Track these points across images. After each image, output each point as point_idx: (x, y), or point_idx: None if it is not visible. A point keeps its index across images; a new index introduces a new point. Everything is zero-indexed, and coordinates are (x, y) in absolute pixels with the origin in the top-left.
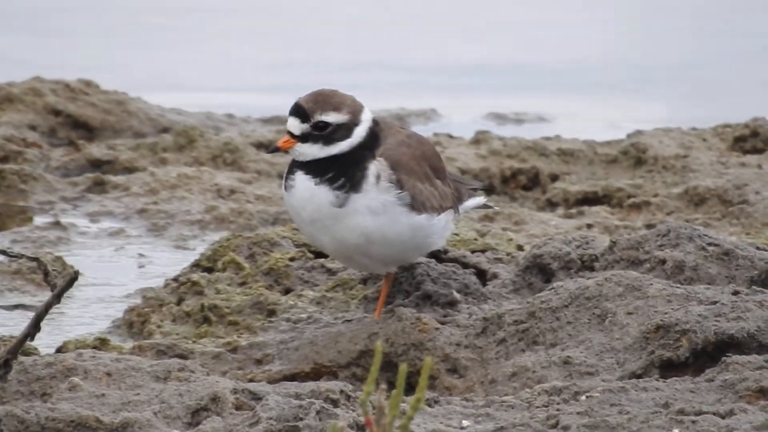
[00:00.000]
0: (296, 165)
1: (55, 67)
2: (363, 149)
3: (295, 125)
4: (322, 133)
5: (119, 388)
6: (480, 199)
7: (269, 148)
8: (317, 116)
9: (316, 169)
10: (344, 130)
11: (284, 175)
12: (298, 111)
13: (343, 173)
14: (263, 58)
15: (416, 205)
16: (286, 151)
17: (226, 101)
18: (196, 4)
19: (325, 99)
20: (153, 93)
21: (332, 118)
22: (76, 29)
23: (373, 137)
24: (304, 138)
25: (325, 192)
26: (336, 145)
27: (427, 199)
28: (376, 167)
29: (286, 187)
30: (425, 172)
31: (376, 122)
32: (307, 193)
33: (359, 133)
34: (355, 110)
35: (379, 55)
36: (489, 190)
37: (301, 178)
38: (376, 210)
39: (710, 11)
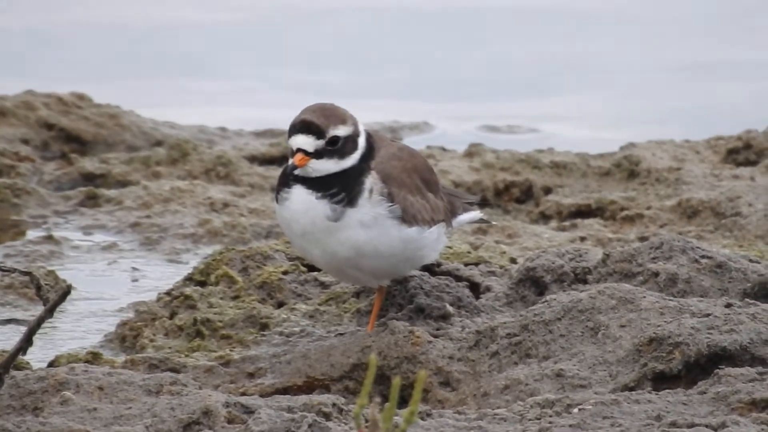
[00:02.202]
0: (294, 179)
1: (47, 80)
2: (362, 161)
3: (308, 142)
4: (335, 148)
5: (111, 402)
6: (475, 214)
7: (288, 168)
8: (331, 131)
9: (318, 183)
10: (351, 142)
11: (276, 188)
12: (311, 128)
13: (344, 187)
14: (255, 72)
15: (407, 218)
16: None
17: (219, 114)
18: (185, 17)
19: (331, 113)
20: (145, 108)
21: (342, 131)
22: (69, 42)
23: (370, 148)
24: (318, 154)
25: (323, 206)
26: (349, 157)
27: (418, 212)
28: (370, 181)
29: (278, 200)
30: (416, 184)
31: (368, 133)
32: (303, 206)
33: (362, 144)
34: (355, 120)
35: (372, 68)
36: (484, 204)
37: (299, 192)
38: (368, 223)
39: (699, 21)
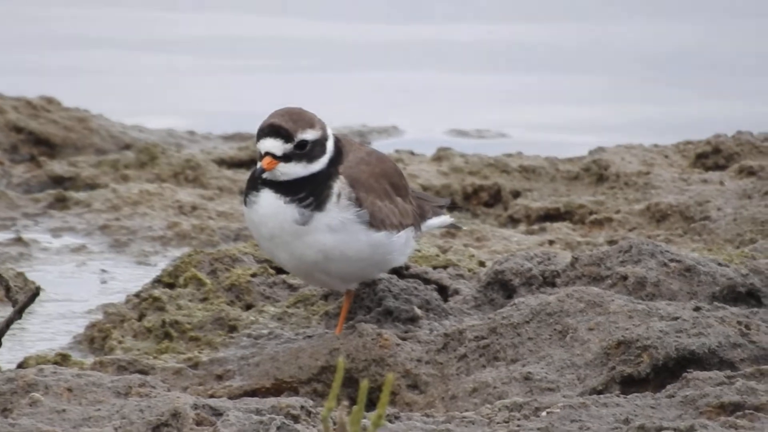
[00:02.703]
0: (263, 182)
1: (16, 84)
2: (330, 166)
3: (276, 146)
4: (303, 152)
5: (80, 404)
6: (445, 218)
7: (256, 171)
8: (299, 135)
9: (286, 187)
10: (320, 146)
11: (244, 191)
12: (279, 131)
13: (312, 192)
14: (223, 76)
15: (375, 223)
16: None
17: (188, 118)
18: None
19: (300, 117)
20: (114, 111)
21: (310, 135)
22: (40, 45)
23: (338, 152)
24: (286, 158)
25: (291, 210)
26: (317, 161)
27: (387, 217)
28: (338, 186)
29: (247, 203)
30: (385, 189)
31: (337, 138)
32: (271, 209)
33: (330, 148)
34: (323, 125)
35: (339, 71)
36: (453, 208)
37: (267, 195)
38: (335, 227)
39: (671, 26)
